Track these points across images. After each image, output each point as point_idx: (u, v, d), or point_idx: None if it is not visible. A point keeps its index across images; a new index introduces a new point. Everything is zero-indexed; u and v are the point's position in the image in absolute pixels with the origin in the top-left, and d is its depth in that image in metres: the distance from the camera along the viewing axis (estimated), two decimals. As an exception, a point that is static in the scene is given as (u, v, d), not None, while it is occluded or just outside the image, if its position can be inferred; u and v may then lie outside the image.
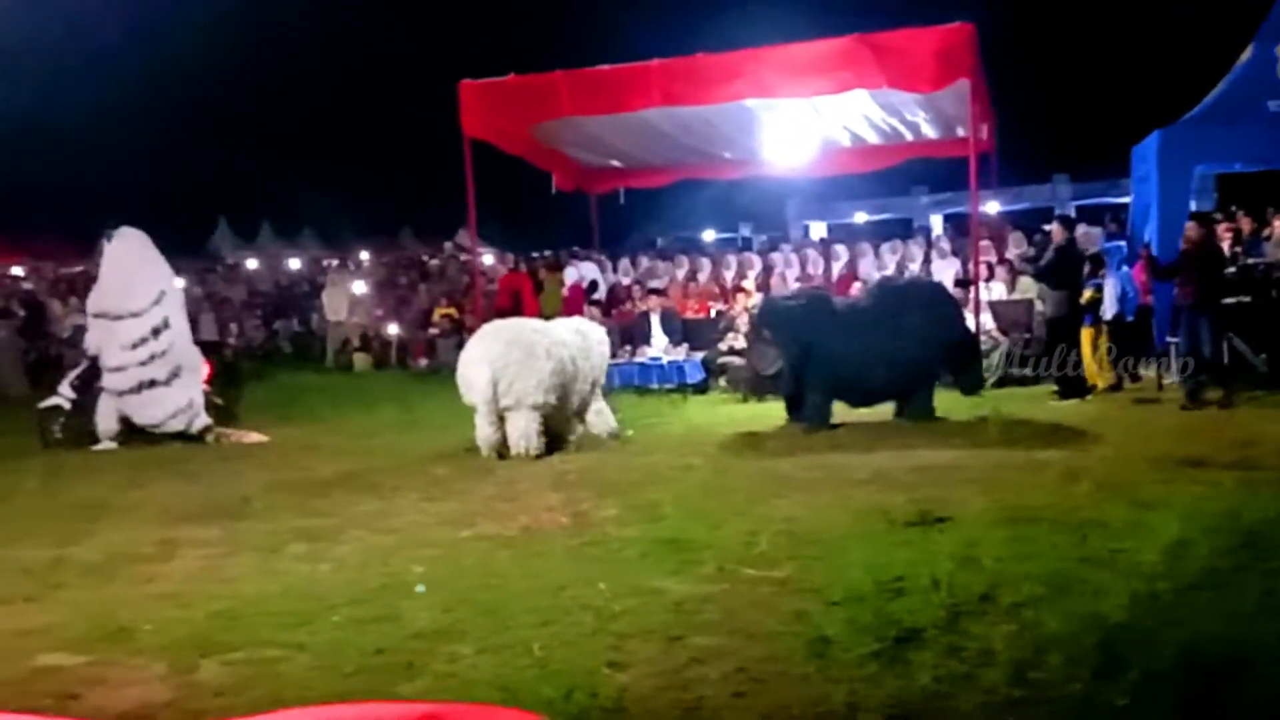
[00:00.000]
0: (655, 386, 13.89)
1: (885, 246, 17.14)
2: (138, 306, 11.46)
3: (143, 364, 11.36)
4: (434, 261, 23.34)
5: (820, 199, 26.47)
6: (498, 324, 10.26)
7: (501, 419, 9.35)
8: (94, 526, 7.40)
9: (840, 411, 10.48)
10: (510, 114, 14.54)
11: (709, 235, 27.63)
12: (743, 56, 13.20)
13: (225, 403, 12.35)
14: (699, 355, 14.08)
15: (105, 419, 11.38)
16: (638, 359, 14.33)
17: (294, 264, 28.14)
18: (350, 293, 20.26)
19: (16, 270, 25.07)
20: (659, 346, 14.43)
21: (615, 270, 18.28)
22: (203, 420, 11.52)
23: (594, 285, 17.11)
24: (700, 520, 6.73)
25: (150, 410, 11.38)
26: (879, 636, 4.45)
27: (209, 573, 6.15)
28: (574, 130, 15.70)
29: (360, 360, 19.06)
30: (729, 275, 17.26)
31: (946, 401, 10.66)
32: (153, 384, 11.38)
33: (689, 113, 14.60)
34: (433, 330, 18.50)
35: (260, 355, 20.52)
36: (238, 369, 15.90)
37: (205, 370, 12.07)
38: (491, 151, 14.92)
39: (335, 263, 24.99)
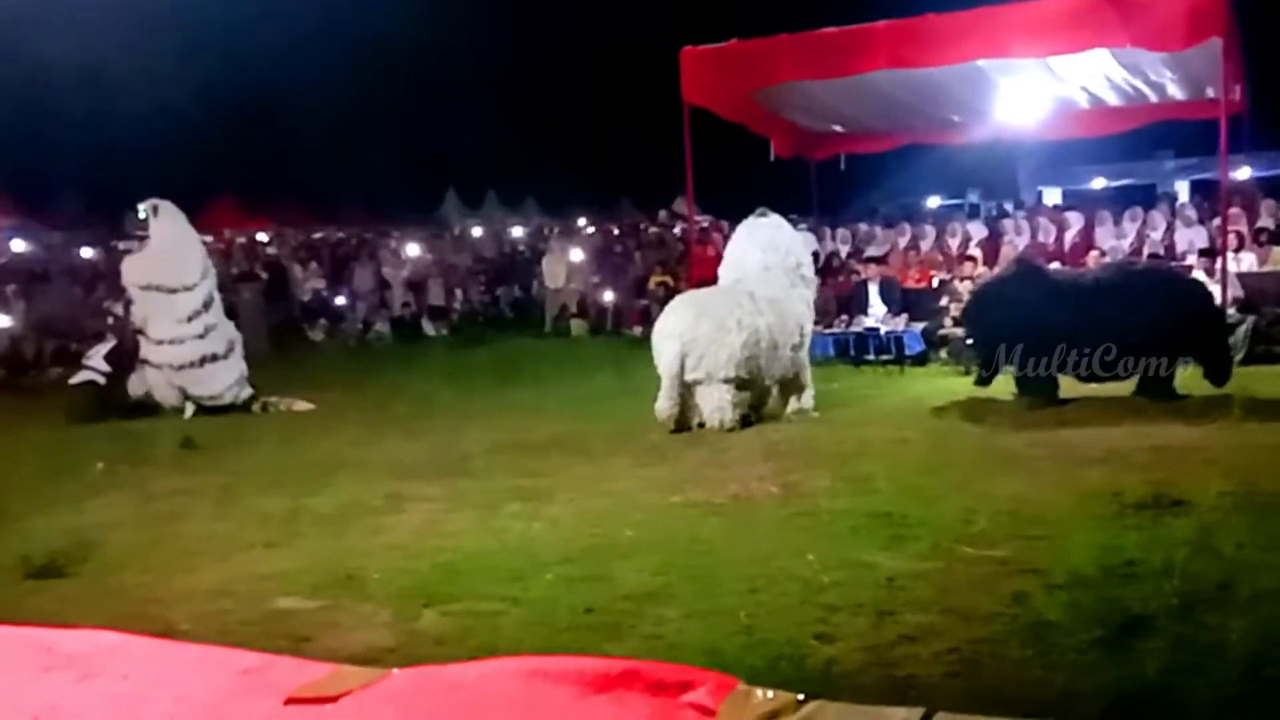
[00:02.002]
0: (872, 357, 13.60)
1: (1125, 214, 16.22)
2: (190, 280, 11.67)
3: (200, 337, 11.59)
4: (651, 229, 23.55)
5: (1055, 163, 25.28)
6: (690, 295, 10.22)
7: (688, 393, 9.27)
8: (329, 479, 7.82)
9: (1071, 388, 9.99)
10: (731, 80, 14.44)
11: (933, 201, 26.82)
12: (975, 16, 12.66)
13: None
14: (919, 326, 13.70)
15: (165, 390, 11.55)
16: (854, 328, 14.07)
17: (517, 232, 28.95)
18: (569, 260, 20.69)
19: (261, 236, 26.66)
20: (877, 316, 14.12)
21: (833, 238, 17.97)
22: (248, 391, 11.86)
23: (814, 255, 16.87)
24: (916, 495, 6.55)
25: (210, 384, 11.61)
26: (1103, 623, 4.22)
27: (433, 526, 6.40)
28: (796, 95, 15.48)
29: (577, 326, 19.46)
30: (954, 243, 16.71)
31: (1189, 378, 10.01)
32: (215, 358, 11.63)
33: (916, 75, 14.13)
34: (647, 299, 18.68)
35: (483, 320, 21.21)
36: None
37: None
38: (709, 119, 14.88)
39: (555, 230, 25.57)
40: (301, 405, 11.73)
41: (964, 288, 13.41)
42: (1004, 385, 10.25)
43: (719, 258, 16.78)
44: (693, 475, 7.48)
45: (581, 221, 27.17)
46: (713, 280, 10.72)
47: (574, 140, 30.43)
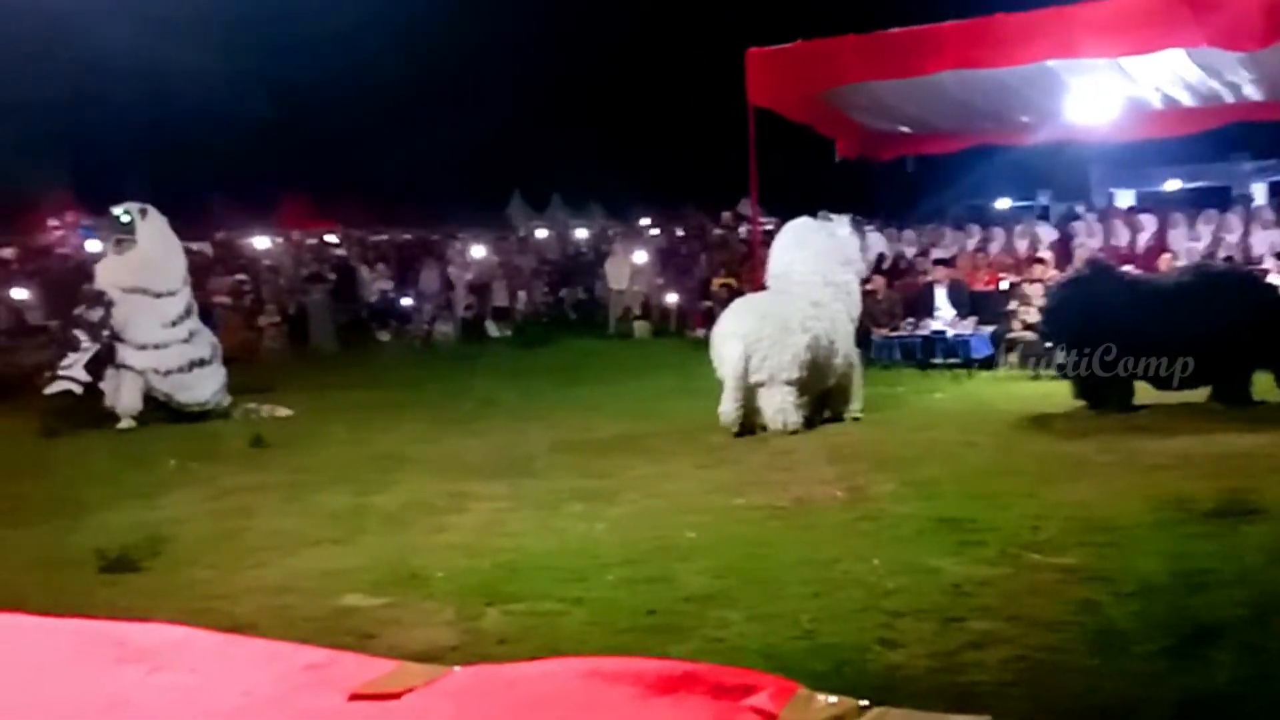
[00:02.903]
0: (939, 360, 13.44)
1: (1200, 216, 15.88)
2: (174, 285, 11.48)
3: (185, 341, 11.35)
4: (716, 231, 23.50)
5: (1127, 165, 24.80)
6: (751, 297, 10.15)
7: (751, 395, 9.20)
8: (393, 477, 7.90)
9: (1143, 394, 9.79)
10: (796, 81, 14.39)
11: (1003, 203, 26.45)
12: (1045, 15, 12.49)
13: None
14: (987, 329, 13.51)
15: (129, 396, 11.06)
16: (921, 331, 13.92)
17: (581, 233, 29.04)
18: (632, 262, 20.70)
19: (330, 237, 27.00)
20: (944, 319, 13.95)
21: (900, 240, 17.81)
22: (228, 397, 11.65)
23: (881, 257, 16.74)
24: (982, 500, 6.46)
25: (198, 390, 11.36)
26: (1173, 632, 4.13)
27: (495, 526, 6.44)
28: (862, 96, 15.37)
29: (640, 328, 19.47)
30: (1023, 245, 16.47)
31: (1264, 384, 9.77)
32: (203, 363, 11.43)
33: (985, 75, 13.97)
34: (711, 300, 18.63)
35: (546, 321, 21.31)
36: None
37: None
38: (773, 120, 14.83)
39: (619, 232, 25.60)
40: (282, 411, 11.44)
41: (1034, 291, 13.20)
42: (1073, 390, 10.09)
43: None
44: (755, 478, 7.45)
45: (645, 223, 27.19)
46: None
47: (639, 142, 30.46)
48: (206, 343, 11.65)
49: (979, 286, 14.88)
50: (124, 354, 11.07)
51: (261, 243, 26.18)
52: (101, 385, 11.01)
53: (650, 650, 4.24)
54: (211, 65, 21.40)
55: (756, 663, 3.99)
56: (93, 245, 24.40)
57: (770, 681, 1.53)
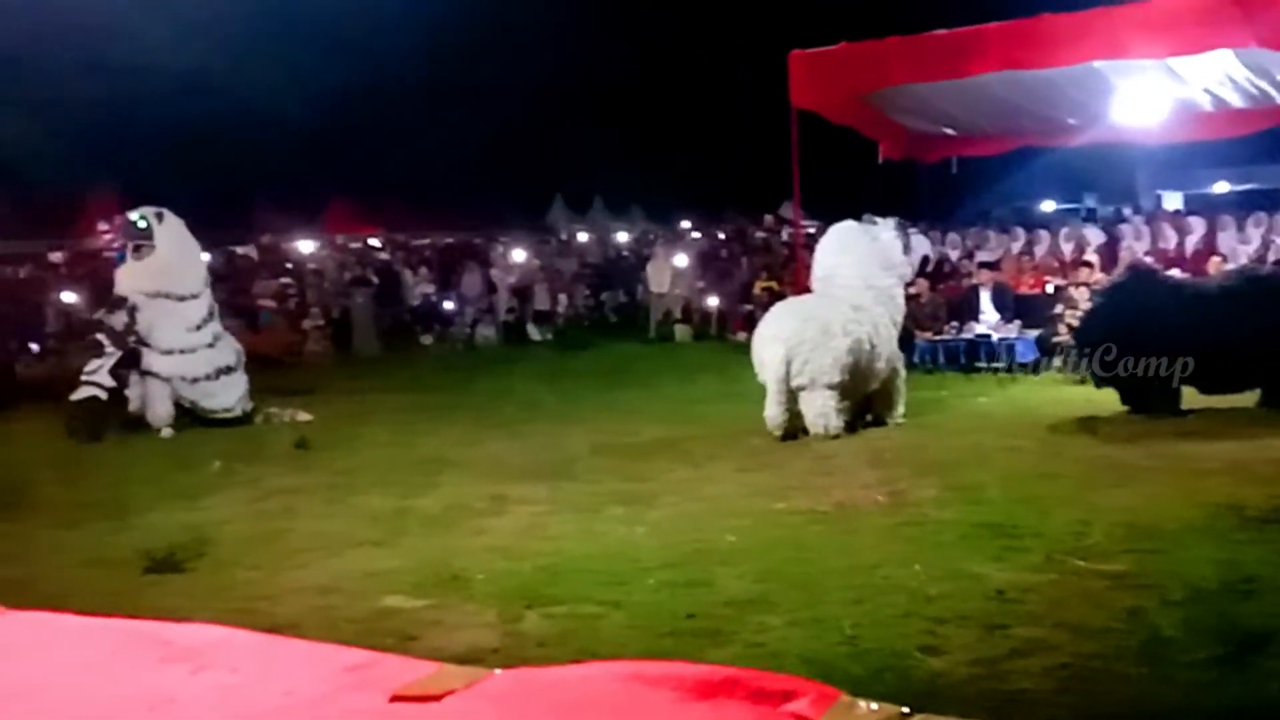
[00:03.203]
0: (983, 364, 13.32)
1: (1250, 219, 15.63)
2: (196, 288, 11.41)
3: (210, 346, 11.24)
4: (757, 234, 23.46)
5: (1175, 167, 24.50)
6: (793, 301, 10.08)
7: (794, 398, 9.16)
8: (435, 479, 7.94)
9: (1191, 399, 9.65)
10: (840, 83, 14.33)
11: (1048, 206, 26.21)
12: (1091, 16, 12.35)
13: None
14: (1032, 333, 13.38)
15: (161, 406, 10.92)
16: (965, 335, 13.80)
17: (622, 237, 29.08)
18: (673, 265, 20.69)
19: (373, 241, 27.20)
20: (988, 322, 13.83)
21: (944, 242, 17.67)
22: (250, 402, 11.51)
23: (925, 260, 16.61)
24: (1027, 506, 6.40)
25: (223, 396, 11.22)
26: (1222, 640, 4.06)
27: (536, 529, 6.45)
28: (906, 98, 15.28)
29: (681, 331, 19.45)
30: (1069, 248, 16.29)
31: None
32: (229, 370, 11.29)
33: (1030, 77, 13.84)
34: (752, 304, 18.58)
35: (587, 325, 21.35)
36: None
37: None
38: (816, 122, 14.78)
39: (661, 236, 25.61)
40: (303, 415, 11.34)
41: (1079, 295, 13.05)
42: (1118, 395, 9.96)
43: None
44: (797, 482, 7.42)
45: (686, 226, 27.18)
46: None
47: (680, 145, 30.47)
48: (230, 349, 11.57)
49: (1024, 290, 14.73)
50: (149, 360, 10.95)
51: (306, 246, 26.45)
52: (126, 391, 10.88)
53: (690, 654, 4.22)
54: (259, 70, 21.64)
55: (797, 668, 3.97)
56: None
57: (811, 687, 1.51)
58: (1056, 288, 14.41)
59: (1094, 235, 16.82)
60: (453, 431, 10.16)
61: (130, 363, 10.85)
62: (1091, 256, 15.13)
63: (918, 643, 4.29)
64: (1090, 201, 26.85)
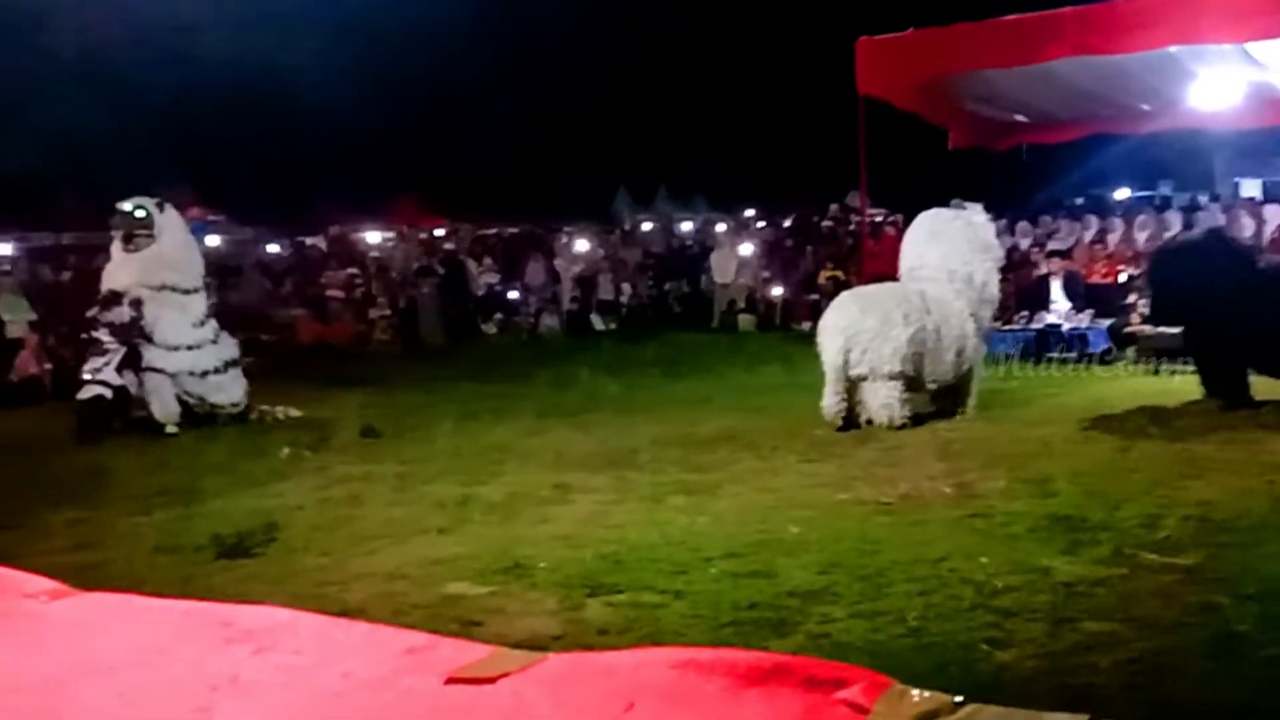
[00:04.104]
0: (1054, 355, 13.11)
1: (1331, 206, 15.21)
2: (198, 281, 11.05)
3: (214, 341, 10.87)
4: (823, 223, 23.29)
5: (1254, 154, 23.85)
6: (856, 290, 9.97)
7: (854, 390, 9.06)
8: (499, 468, 7.99)
9: (1268, 389, 9.40)
10: (908, 70, 14.16)
11: (1122, 193, 25.69)
12: (1167, 0, 12.08)
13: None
14: (1104, 323, 13.14)
15: (167, 401, 10.43)
16: (1035, 325, 13.59)
17: (686, 226, 29.04)
18: (738, 254, 20.62)
19: (439, 231, 27.41)
20: (1059, 312, 13.61)
21: (1014, 231, 17.41)
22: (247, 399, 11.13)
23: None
24: (1097, 499, 6.28)
25: (230, 390, 10.83)
26: (1298, 637, 3.96)
27: (598, 517, 6.46)
28: (976, 85, 15.06)
29: (745, 321, 19.38)
30: (1143, 237, 15.97)
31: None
32: (235, 363, 10.96)
33: (1104, 62, 13.56)
34: (817, 293, 18.46)
35: (650, 315, 21.36)
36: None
37: None
38: (883, 110, 14.63)
39: (725, 225, 25.53)
40: (293, 411, 11.05)
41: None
42: (1193, 385, 9.75)
43: (894, 252, 16.50)
44: (861, 473, 7.35)
45: (751, 215, 27.06)
46: (890, 275, 10.47)
47: (745, 134, 30.32)
48: (231, 342, 11.23)
49: (1096, 279, 14.48)
50: (152, 357, 10.42)
51: (374, 237, 26.75)
52: (133, 390, 10.43)
53: (752, 644, 4.21)
54: (327, 63, 21.91)
55: (860, 659, 3.92)
56: (211, 240, 25.25)
57: (863, 675, 1.50)
58: (1130, 277, 14.13)
59: (1169, 224, 16.46)
60: (517, 421, 10.22)
61: (132, 360, 10.35)
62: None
63: (983, 636, 4.23)
64: (1165, 189, 26.29)
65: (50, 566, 4.29)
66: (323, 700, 1.82)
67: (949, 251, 9.61)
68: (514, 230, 28.01)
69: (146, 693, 1.98)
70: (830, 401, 9.04)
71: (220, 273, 20.00)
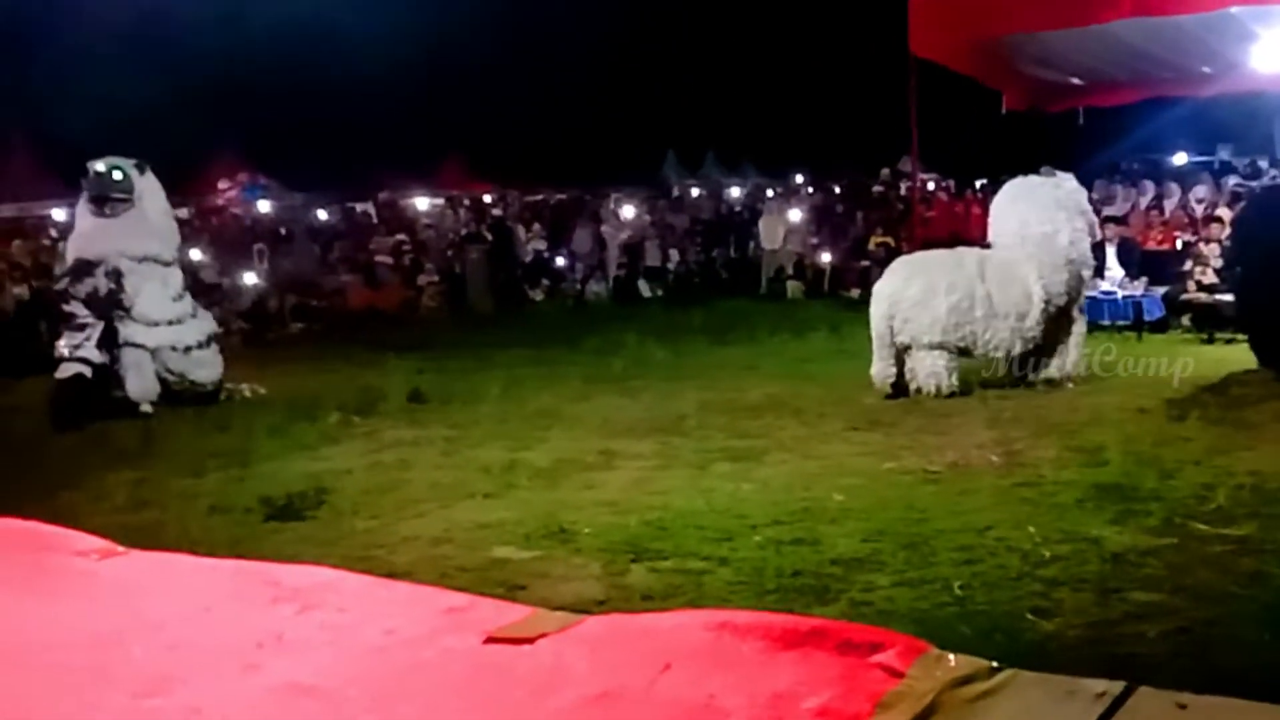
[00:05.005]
0: (1107, 322, 12.91)
1: (1398, 170, 14.82)
2: (175, 252, 10.36)
3: (194, 316, 10.25)
4: (875, 189, 23.06)
5: (1317, 117, 23.29)
6: (909, 257, 9.84)
7: (904, 358, 8.98)
8: (546, 434, 8.03)
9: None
10: (962, 31, 13.92)
11: (1180, 158, 25.17)
12: (1230, -42, 11.78)
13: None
14: (1159, 290, 12.92)
15: (144, 378, 9.74)
16: (1089, 292, 13.37)
17: (734, 192, 28.86)
18: (786, 220, 20.47)
19: (487, 197, 27.46)
20: (1114, 279, 13.39)
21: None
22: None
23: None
24: (1149, 468, 6.20)
25: (211, 367, 10.21)
26: (1354, 609, 3.90)
27: (643, 483, 6.48)
28: (1032, 46, 14.79)
29: (792, 287, 19.26)
30: (1200, 205, 15.66)
31: None
32: (215, 338, 10.39)
33: (1164, 23, 13.27)
34: (867, 259, 18.31)
35: (698, 281, 21.29)
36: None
37: None
38: (935, 72, 14.42)
39: (773, 191, 25.35)
40: (260, 389, 10.56)
41: (1210, 251, 12.55)
42: (1248, 354, 9.57)
43: (945, 217, 16.33)
44: (908, 441, 7.31)
45: (800, 180, 26.84)
46: (942, 241, 10.34)
47: (794, 98, 30.01)
48: (208, 316, 10.66)
49: (1151, 245, 14.23)
50: (131, 332, 9.69)
51: (422, 203, 26.84)
52: (113, 366, 9.71)
53: (795, 611, 4.20)
54: (374, 28, 21.96)
55: (904, 628, 3.88)
56: (263, 205, 25.47)
57: (899, 639, 1.50)
58: (1186, 244, 13.87)
59: (1228, 189, 16.12)
60: (563, 387, 10.25)
61: (108, 335, 9.60)
62: (1224, 212, 14.52)
63: (1029, 605, 4.21)
64: (1224, 154, 25.69)
65: (107, 526, 4.36)
66: (365, 657, 1.84)
67: (1028, 215, 9.34)
68: (561, 196, 27.98)
69: (194, 649, 2.02)
70: (878, 368, 9.02)
71: (271, 239, 20.23)
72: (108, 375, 9.61)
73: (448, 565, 5.08)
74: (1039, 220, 9.31)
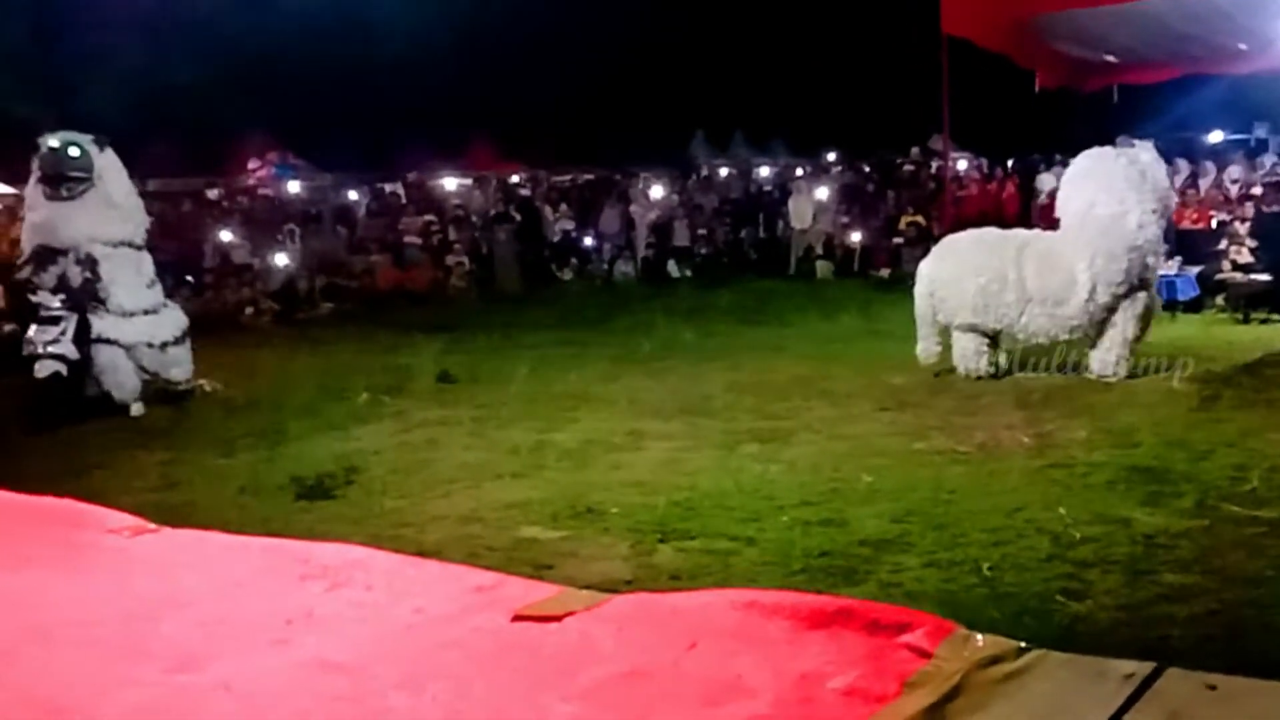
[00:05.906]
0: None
1: None
2: (145, 236, 9.45)
3: (167, 307, 9.47)
4: (906, 167, 22.89)
5: (1355, 95, 22.91)
6: (952, 237, 9.76)
7: (946, 334, 8.96)
8: (574, 415, 8.04)
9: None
10: (995, 8, 13.81)
11: (1215, 136, 24.85)
12: (1266, -68, 11.60)
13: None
14: (1194, 270, 12.78)
15: (125, 378, 8.90)
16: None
17: (763, 172, 28.70)
18: (816, 200, 20.36)
19: (515, 177, 27.45)
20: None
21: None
22: None
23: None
24: (1181, 449, 6.15)
25: (185, 364, 9.39)
26: (1389, 592, 3.85)
27: (671, 464, 6.48)
28: (1065, 23, 14.64)
29: (822, 267, 19.18)
30: (1235, 183, 15.46)
31: None
32: (188, 333, 9.49)
33: (1198, 1, 13.11)
34: (898, 239, 18.20)
35: (726, 261, 21.23)
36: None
37: None
38: (967, 51, 14.28)
39: (803, 170, 25.19)
40: (218, 385, 9.79)
41: (1245, 230, 12.40)
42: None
43: (977, 196, 16.18)
44: (938, 422, 7.27)
45: (830, 159, 26.66)
46: (974, 221, 10.24)
47: (824, 76, 29.79)
48: (177, 308, 9.76)
49: (1186, 224, 14.07)
50: (104, 327, 8.84)
51: (450, 184, 26.86)
52: (87, 364, 8.82)
53: (822, 592, 4.19)
54: (406, 9, 21.95)
55: (932, 609, 3.86)
56: (292, 186, 25.54)
57: (927, 620, 1.49)
58: (1220, 223, 13.71)
59: (1264, 167, 15.92)
60: (591, 367, 10.25)
61: (81, 330, 8.74)
62: (1260, 191, 14.34)
63: (1059, 586, 4.19)
64: (1261, 132, 25.34)
65: (140, 505, 4.42)
66: (394, 634, 1.86)
67: (1096, 194, 8.73)
68: (589, 176, 27.92)
69: (225, 625, 2.04)
70: (921, 345, 9.08)
71: (301, 219, 20.31)
72: (84, 372, 8.80)
73: (476, 544, 5.11)
74: (1107, 200, 8.66)
